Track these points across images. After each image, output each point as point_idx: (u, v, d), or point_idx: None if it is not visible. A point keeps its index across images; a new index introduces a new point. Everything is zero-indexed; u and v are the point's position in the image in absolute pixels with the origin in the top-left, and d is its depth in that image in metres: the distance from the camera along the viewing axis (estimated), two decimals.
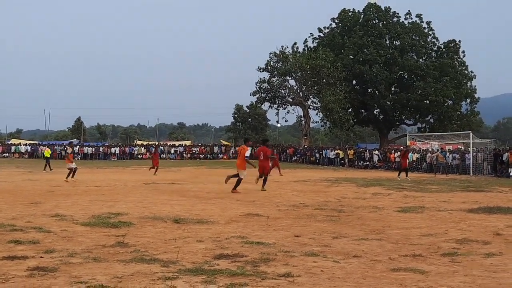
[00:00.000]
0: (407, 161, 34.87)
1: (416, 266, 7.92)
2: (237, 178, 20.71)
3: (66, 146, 32.27)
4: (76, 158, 62.86)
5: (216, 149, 77.02)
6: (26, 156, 69.68)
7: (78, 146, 71.80)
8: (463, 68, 65.77)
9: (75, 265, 7.74)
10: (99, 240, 9.84)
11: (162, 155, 71.63)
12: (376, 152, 51.70)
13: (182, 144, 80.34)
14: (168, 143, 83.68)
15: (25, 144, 75.31)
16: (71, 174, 27.55)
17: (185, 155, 73.11)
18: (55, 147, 70.86)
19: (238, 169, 20.82)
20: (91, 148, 70.72)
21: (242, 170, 20.63)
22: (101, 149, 71.96)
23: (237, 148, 20.38)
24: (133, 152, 71.71)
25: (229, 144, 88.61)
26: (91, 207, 14.94)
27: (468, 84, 65.26)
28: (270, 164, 23.66)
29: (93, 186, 23.16)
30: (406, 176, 32.46)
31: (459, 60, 65.84)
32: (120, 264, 7.85)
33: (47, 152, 42.88)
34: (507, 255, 8.76)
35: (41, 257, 8.29)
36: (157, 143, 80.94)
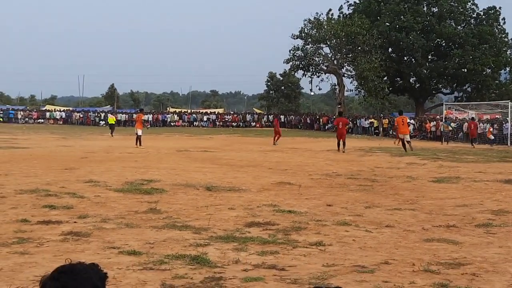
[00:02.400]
0: (476, 131, 37.77)
1: (449, 236, 7.82)
2: (407, 143, 27.08)
3: (137, 111, 33.39)
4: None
5: (248, 117, 76.98)
6: (61, 122, 70.50)
7: (110, 113, 72.47)
8: (503, 35, 64.06)
9: (108, 231, 7.83)
10: (131, 206, 9.94)
11: (194, 123, 72.00)
12: (412, 121, 51.07)
13: (215, 112, 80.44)
14: (201, 111, 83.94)
15: (60, 110, 76.27)
16: (138, 141, 27.96)
17: (217, 123, 73.21)
18: (90, 114, 71.86)
19: (405, 135, 27.60)
20: (124, 115, 71.20)
21: (407, 134, 27.99)
22: (134, 116, 72.42)
23: (396, 119, 29.63)
24: (166, 119, 72.03)
25: (262, 112, 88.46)
26: (124, 174, 15.10)
27: (508, 52, 63.61)
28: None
29: (126, 153, 23.36)
30: (472, 145, 34.63)
31: (499, 27, 64.10)
32: (152, 230, 7.93)
33: (111, 119, 44.25)
34: None
35: (74, 222, 8.41)
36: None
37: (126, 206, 9.96)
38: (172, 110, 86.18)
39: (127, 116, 70.59)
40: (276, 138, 33.33)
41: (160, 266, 6.10)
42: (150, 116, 71.89)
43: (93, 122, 68.13)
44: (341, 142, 26.94)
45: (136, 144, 27.79)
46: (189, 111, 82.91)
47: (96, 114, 71.16)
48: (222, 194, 11.63)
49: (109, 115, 53.60)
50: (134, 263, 6.20)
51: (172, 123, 70.87)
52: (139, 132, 28.44)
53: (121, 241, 7.20)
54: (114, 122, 44.36)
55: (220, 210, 9.68)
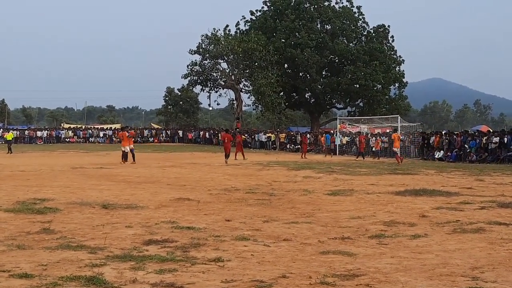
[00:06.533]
0: (365, 144, 39.34)
1: (344, 248, 8.04)
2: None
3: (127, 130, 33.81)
4: None
5: (146, 132, 76.02)
6: None
7: (1, 130, 69.58)
8: (392, 52, 67.00)
9: None
10: (23, 226, 9.55)
11: (90, 139, 70.33)
12: (307, 135, 52.25)
13: (111, 128, 78.90)
14: (97, 126, 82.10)
15: None
16: (126, 158, 28.60)
17: (114, 138, 71.83)
18: None
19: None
20: (16, 132, 68.50)
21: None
22: (26, 132, 69.93)
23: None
24: (60, 135, 69.97)
25: (160, 127, 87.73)
26: (16, 193, 14.48)
27: (396, 69, 66.58)
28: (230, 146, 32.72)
29: (18, 171, 22.44)
30: (363, 158, 36.43)
31: (388, 45, 67.00)
32: (46, 251, 7.65)
33: (9, 136, 43.31)
34: (432, 237, 9.01)
35: None
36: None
37: (17, 226, 9.55)
38: (66, 126, 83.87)
39: (18, 132, 68.07)
40: (237, 153, 34.42)
41: None
42: (45, 133, 69.74)
43: None
44: (230, 155, 30.75)
45: (134, 160, 28.40)
46: (84, 126, 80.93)
47: None
48: (119, 212, 11.39)
49: (6, 132, 52.35)
50: (26, 286, 5.94)
51: (66, 139, 68.94)
52: (131, 147, 29.20)
53: (12, 263, 6.89)
54: (11, 139, 43.18)
55: (117, 229, 9.48)
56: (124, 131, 33.67)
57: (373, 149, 40.20)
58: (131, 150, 29.08)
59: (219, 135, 65.53)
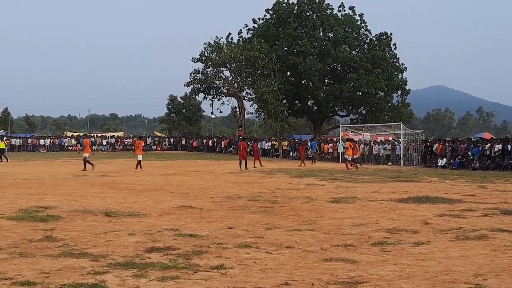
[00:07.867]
0: (357, 151, 38.88)
1: (347, 255, 8.03)
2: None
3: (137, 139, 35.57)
4: None
5: (149, 140, 76.08)
6: None
7: (5, 138, 69.71)
8: (394, 60, 66.92)
9: (0, 261, 7.49)
10: (26, 234, 9.56)
11: (93, 147, 70.41)
12: (308, 143, 52.16)
13: (114, 136, 78.96)
14: (100, 134, 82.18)
15: None
16: (139, 165, 29.93)
17: (117, 146, 71.91)
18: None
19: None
20: (19, 140, 68.59)
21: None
22: (29, 140, 69.99)
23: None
24: (63, 143, 70.06)
25: (163, 135, 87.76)
26: (18, 201, 14.49)
27: (399, 76, 66.49)
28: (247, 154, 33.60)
29: (20, 179, 22.46)
30: (358, 164, 35.61)
31: (390, 52, 66.93)
32: (48, 259, 7.65)
33: (2, 144, 43.48)
34: (435, 244, 8.99)
35: None
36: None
37: (20, 234, 9.56)
38: (69, 134, 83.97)
39: (21, 140, 68.15)
40: (256, 161, 34.73)
41: None
42: (48, 141, 69.79)
43: None
44: (242, 163, 30.99)
45: (136, 168, 29.41)
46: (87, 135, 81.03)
47: None
48: (121, 220, 11.40)
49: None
50: None
51: (69, 148, 68.98)
52: (139, 157, 30.27)
53: (14, 271, 6.89)
54: (4, 147, 43.09)
55: (119, 236, 9.48)
56: (141, 140, 35.53)
57: (353, 156, 40.11)
58: (84, 158, 29.76)
59: (222, 143, 65.75)
